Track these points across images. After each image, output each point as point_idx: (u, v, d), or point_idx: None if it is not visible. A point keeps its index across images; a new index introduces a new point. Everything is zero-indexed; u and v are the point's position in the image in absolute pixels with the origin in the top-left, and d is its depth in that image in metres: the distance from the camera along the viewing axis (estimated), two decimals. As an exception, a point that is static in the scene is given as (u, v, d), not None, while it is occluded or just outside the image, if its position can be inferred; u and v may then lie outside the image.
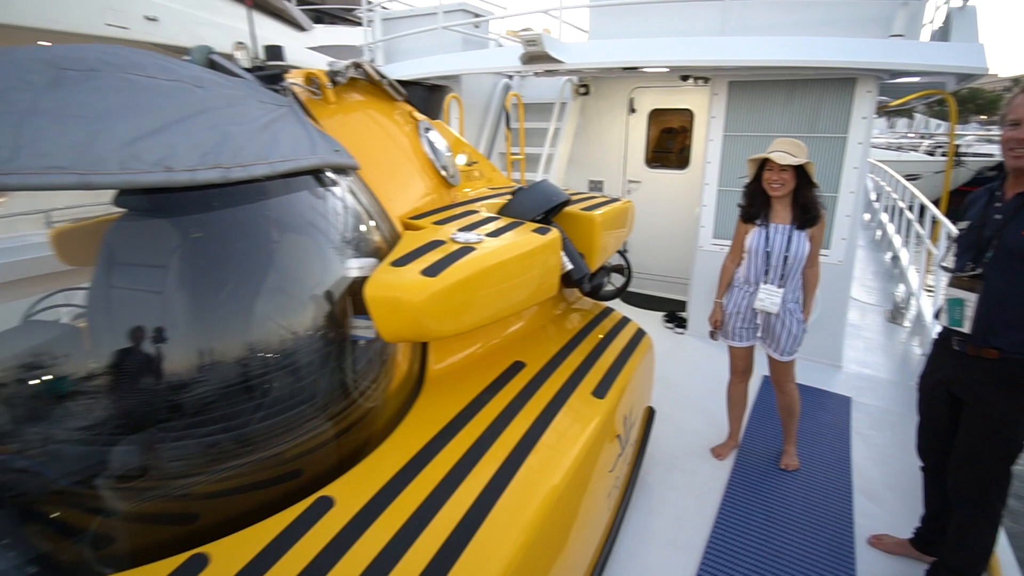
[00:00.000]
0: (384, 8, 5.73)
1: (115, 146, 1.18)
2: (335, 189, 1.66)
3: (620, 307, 3.10)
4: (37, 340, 1.76)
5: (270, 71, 1.82)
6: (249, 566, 1.15)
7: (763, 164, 2.64)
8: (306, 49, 7.43)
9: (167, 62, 1.51)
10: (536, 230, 1.92)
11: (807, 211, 2.62)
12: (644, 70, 4.58)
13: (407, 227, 1.93)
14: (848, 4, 3.89)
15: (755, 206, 2.73)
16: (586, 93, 5.43)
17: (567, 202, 2.26)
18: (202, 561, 1.16)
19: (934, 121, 32.09)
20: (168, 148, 1.24)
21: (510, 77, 5.80)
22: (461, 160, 2.68)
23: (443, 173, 2.21)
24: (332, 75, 1.98)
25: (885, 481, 2.87)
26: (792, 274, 2.70)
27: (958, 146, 17.71)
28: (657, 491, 2.76)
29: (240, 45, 1.90)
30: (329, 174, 1.65)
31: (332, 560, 1.18)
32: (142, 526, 1.29)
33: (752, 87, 4.07)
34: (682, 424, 3.36)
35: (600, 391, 2.03)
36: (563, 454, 1.67)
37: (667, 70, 4.47)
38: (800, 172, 2.58)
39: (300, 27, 7.35)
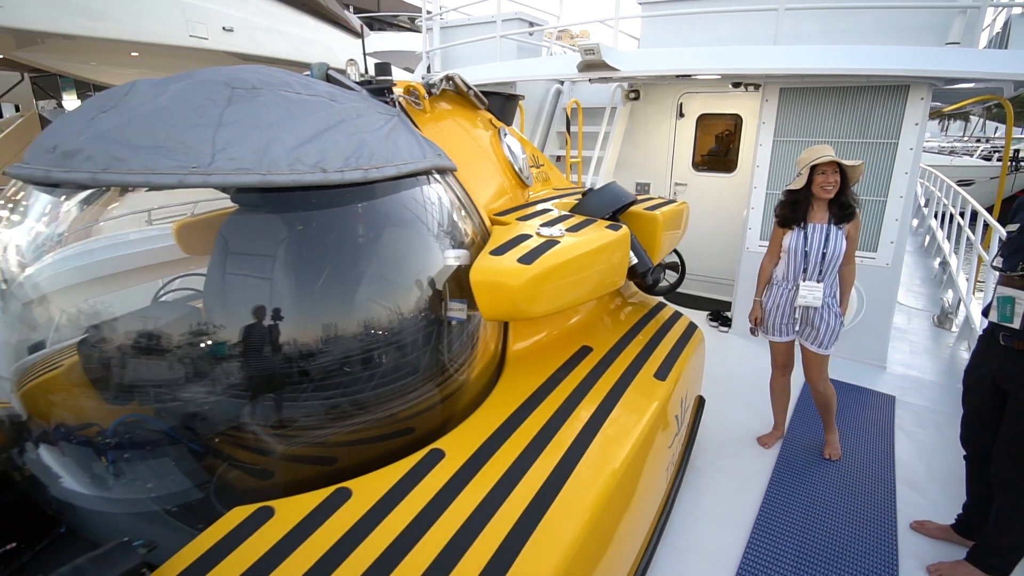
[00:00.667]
0: (441, 16, 6.02)
1: (284, 152, 1.46)
2: (440, 188, 1.91)
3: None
4: (167, 318, 2.06)
5: (378, 84, 2.09)
6: (383, 499, 1.41)
7: (812, 171, 2.77)
8: (349, 59, 7.80)
9: (305, 80, 1.80)
10: (608, 227, 2.14)
11: (844, 208, 2.77)
12: (695, 77, 4.74)
13: (494, 222, 2.17)
14: (903, 12, 3.97)
15: (799, 212, 2.85)
16: (636, 98, 5.61)
17: (634, 202, 2.47)
18: (346, 493, 1.42)
19: (992, 124, 30.74)
20: (321, 153, 1.51)
21: (562, 83, 6.02)
22: (534, 161, 2.91)
23: (520, 175, 2.45)
24: (428, 87, 2.24)
25: (929, 474, 2.98)
26: (830, 270, 2.83)
27: (1016, 151, 17.07)
28: (706, 474, 2.94)
29: (351, 62, 2.17)
30: (435, 175, 1.91)
31: (447, 501, 1.42)
32: (296, 464, 1.57)
33: (803, 93, 4.19)
34: (729, 415, 3.52)
35: (661, 373, 2.23)
36: (632, 425, 1.88)
37: (719, 77, 4.62)
38: (840, 174, 2.74)
39: (357, 34, 7.73)
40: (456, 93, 2.43)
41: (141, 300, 2.47)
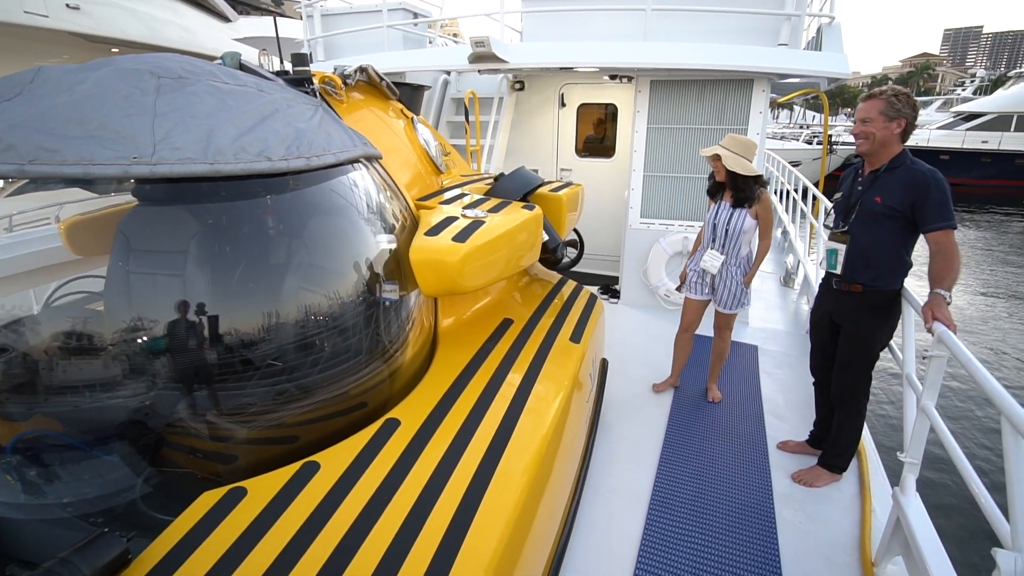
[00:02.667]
0: (322, 4, 5.84)
1: (228, 141, 1.48)
2: (369, 175, 2.00)
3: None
4: (63, 322, 1.95)
5: (298, 75, 2.11)
6: (350, 469, 1.51)
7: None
8: (232, 40, 7.30)
9: (228, 70, 1.80)
10: (523, 207, 2.36)
11: (738, 191, 3.19)
12: (575, 69, 5.11)
13: (419, 207, 2.29)
14: (746, 17, 4.62)
15: (713, 188, 3.35)
16: (521, 88, 5.90)
17: (541, 184, 2.71)
18: (315, 467, 1.51)
19: (811, 112, 35.80)
20: (264, 142, 1.56)
21: (448, 73, 6.14)
22: (441, 148, 3.04)
23: (436, 162, 2.58)
24: (344, 77, 2.29)
25: (787, 404, 3.61)
26: (731, 243, 3.26)
27: (830, 136, 20.11)
28: (615, 426, 3.31)
29: (264, 52, 2.16)
30: (364, 162, 1.99)
31: (409, 464, 1.54)
32: (261, 446, 1.61)
33: (670, 86, 4.72)
34: (627, 374, 3.95)
35: (575, 338, 2.51)
36: (558, 384, 2.13)
37: (596, 69, 5.03)
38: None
39: (225, 18, 7.20)
40: (368, 84, 2.50)
41: (27, 307, 2.28)
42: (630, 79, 5.04)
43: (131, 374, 1.59)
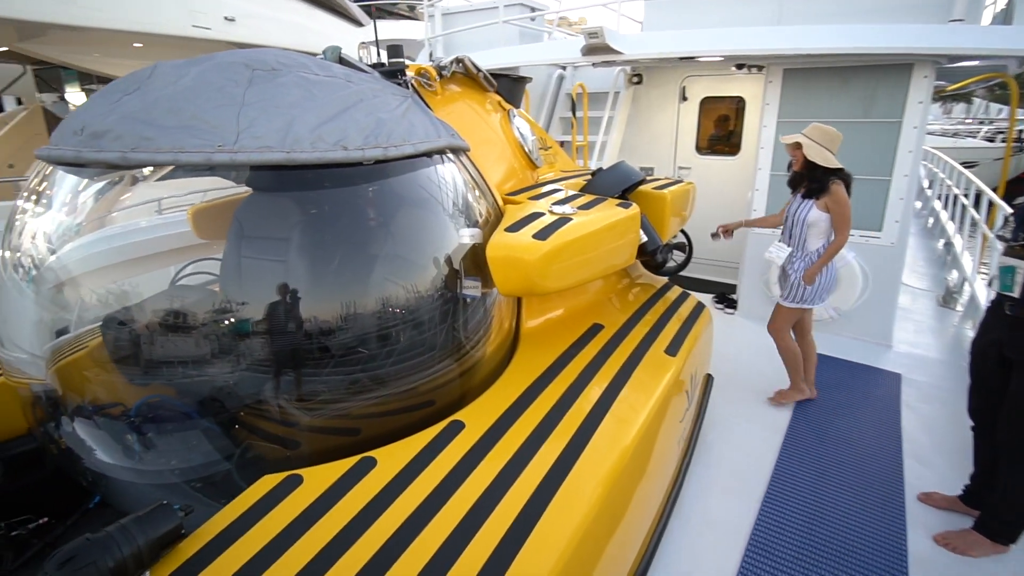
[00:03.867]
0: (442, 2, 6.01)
1: (306, 130, 1.49)
2: (454, 167, 1.95)
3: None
4: (184, 301, 2.10)
5: (391, 67, 2.11)
6: (407, 468, 1.45)
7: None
8: (360, 43, 7.80)
9: (321, 62, 1.83)
10: (619, 204, 2.17)
11: (810, 183, 3.08)
12: (699, 60, 4.74)
13: (507, 202, 2.20)
14: (907, -10, 3.97)
15: (793, 180, 3.24)
16: (639, 82, 5.61)
17: (642, 181, 2.49)
18: (371, 462, 1.47)
19: (995, 106, 30.54)
20: (342, 132, 1.55)
21: (564, 68, 6.02)
22: (541, 143, 2.94)
23: (530, 156, 2.48)
24: (439, 69, 2.26)
25: (934, 447, 3.03)
26: (798, 235, 3.16)
27: (1020, 131, 16.99)
28: (716, 448, 2.99)
29: (364, 46, 2.20)
30: (449, 155, 1.94)
31: (468, 470, 1.46)
32: (320, 436, 1.61)
33: (806, 74, 4.19)
34: (735, 394, 3.57)
35: (671, 350, 2.27)
36: (644, 399, 1.93)
37: (721, 59, 4.62)
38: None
39: (357, 22, 7.71)
40: (466, 76, 2.46)
41: (159, 285, 2.51)
42: (760, 69, 4.56)
43: (225, 352, 1.66)
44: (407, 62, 2.15)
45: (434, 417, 1.66)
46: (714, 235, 3.41)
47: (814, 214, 3.08)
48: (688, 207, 3.04)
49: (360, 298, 1.64)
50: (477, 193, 2.01)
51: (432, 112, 2.03)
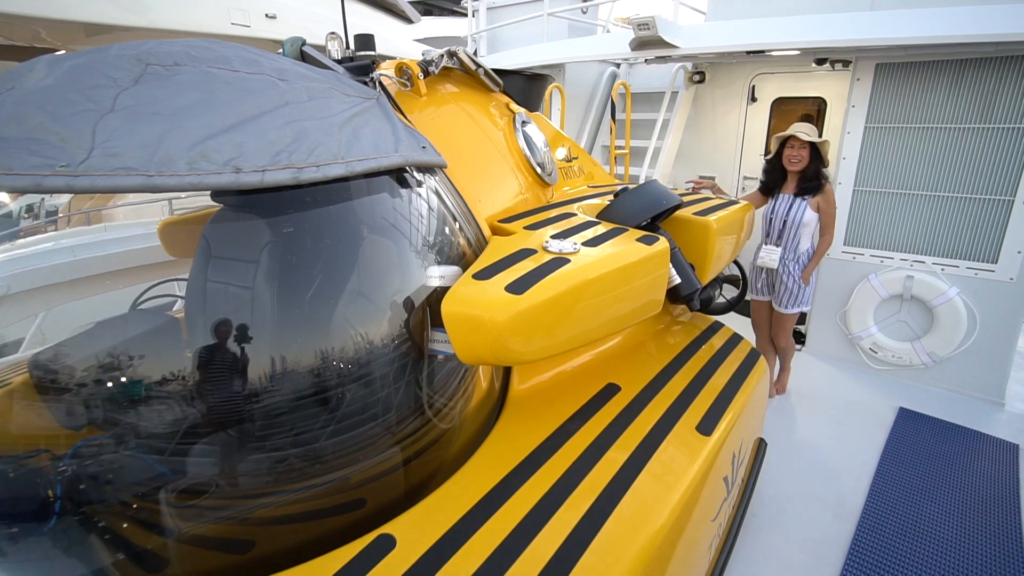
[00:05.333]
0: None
1: (185, 145, 1.10)
2: (419, 190, 1.53)
3: (729, 318, 2.81)
4: (141, 328, 1.80)
5: (360, 62, 1.72)
6: None
7: (784, 142, 3.11)
8: (413, 41, 7.54)
9: (255, 55, 1.44)
10: (641, 239, 1.67)
11: (808, 180, 3.07)
12: (772, 54, 4.08)
13: (496, 231, 1.76)
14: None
15: (773, 180, 3.22)
16: (701, 81, 4.98)
17: (679, 205, 1.98)
18: None
19: None
20: (239, 147, 1.15)
21: (617, 65, 5.46)
22: (561, 154, 2.47)
23: (538, 171, 2.01)
24: (424, 65, 1.85)
25: None
26: (790, 236, 3.15)
27: None
28: (764, 538, 2.41)
29: (333, 35, 1.81)
30: (414, 173, 1.52)
31: None
32: (197, 550, 1.23)
33: (906, 70, 3.46)
34: (796, 459, 2.95)
35: (706, 425, 1.75)
36: (660, 502, 1.44)
37: (798, 52, 3.94)
38: (813, 151, 3.03)
39: (408, 19, 7.46)
40: (464, 72, 2.03)
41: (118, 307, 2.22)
42: (846, 64, 3.85)
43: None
44: (378, 55, 1.74)
45: (357, 528, 1.24)
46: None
47: (809, 214, 3.09)
48: (743, 233, 2.47)
49: (261, 361, 1.27)
50: (450, 221, 1.58)
51: (402, 118, 1.62)
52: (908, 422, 3.15)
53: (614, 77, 5.47)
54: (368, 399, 1.39)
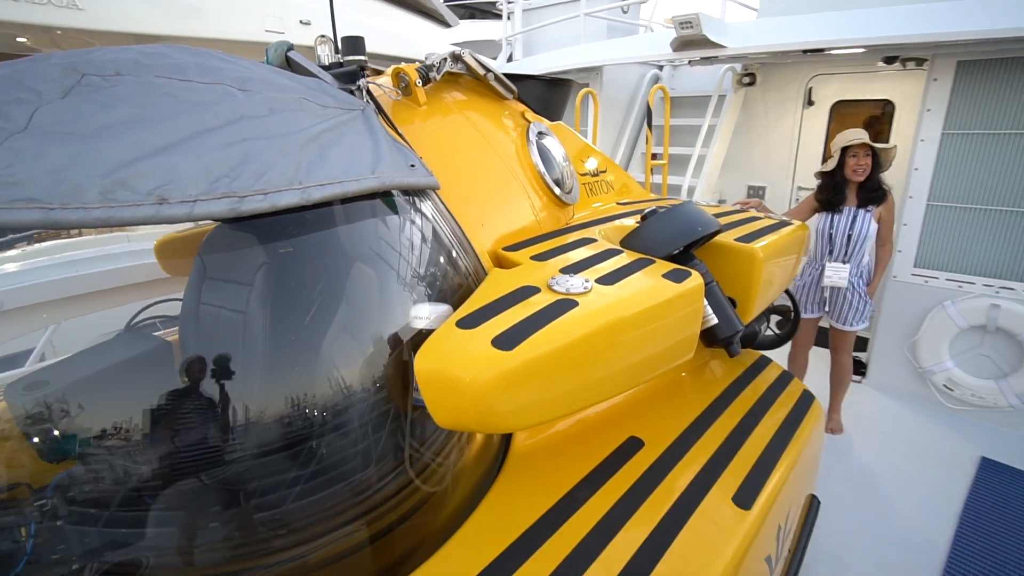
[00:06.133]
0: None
1: (100, 172, 0.91)
2: (405, 215, 1.32)
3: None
4: (131, 352, 1.68)
5: (347, 68, 1.52)
6: None
7: (843, 153, 2.90)
8: (451, 46, 7.40)
9: (220, 62, 1.26)
10: (670, 273, 1.40)
11: (871, 190, 2.90)
12: (832, 53, 3.69)
13: (499, 261, 1.52)
14: None
15: (840, 195, 2.98)
16: (751, 83, 4.60)
17: (717, 231, 1.69)
18: None
19: None
20: (170, 172, 0.96)
21: (660, 68, 5.14)
22: (586, 167, 2.22)
23: (554, 189, 1.77)
24: (424, 71, 1.63)
25: None
26: (855, 251, 2.97)
27: None
28: (817, 614, 2.08)
29: (322, 39, 1.63)
30: (398, 196, 1.31)
31: None
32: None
33: (993, 68, 3.02)
34: (855, 517, 2.57)
35: (746, 496, 1.46)
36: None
37: (862, 51, 3.54)
38: (874, 159, 2.88)
39: (445, 23, 7.33)
40: (473, 78, 1.81)
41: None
42: (919, 62, 3.42)
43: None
44: (367, 59, 1.55)
45: None
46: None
47: (875, 226, 2.95)
48: (798, 261, 2.15)
49: (218, 406, 1.13)
50: (440, 252, 1.36)
51: (392, 131, 1.41)
52: (993, 475, 2.72)
53: (656, 80, 5.15)
54: (329, 461, 1.19)
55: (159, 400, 1.21)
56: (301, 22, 5.41)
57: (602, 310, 1.19)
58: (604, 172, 2.29)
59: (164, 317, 2.31)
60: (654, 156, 5.21)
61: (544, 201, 1.77)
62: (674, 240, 1.54)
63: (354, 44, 1.52)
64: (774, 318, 2.34)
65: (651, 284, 1.33)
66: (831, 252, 3.03)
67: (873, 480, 2.80)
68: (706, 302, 1.57)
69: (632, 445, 1.56)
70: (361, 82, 1.44)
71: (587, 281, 1.28)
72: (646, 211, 1.67)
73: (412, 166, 1.34)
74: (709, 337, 1.59)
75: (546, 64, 4.58)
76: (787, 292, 2.28)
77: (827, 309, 3.19)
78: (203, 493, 1.17)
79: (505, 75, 1.89)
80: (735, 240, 1.77)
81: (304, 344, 1.28)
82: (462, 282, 1.37)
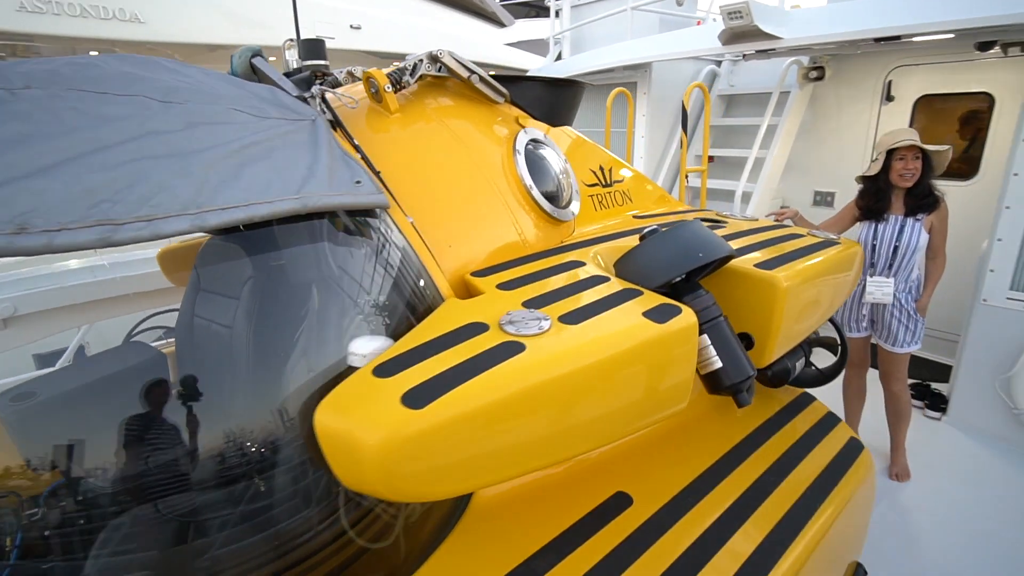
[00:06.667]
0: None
1: None
2: (342, 239, 1.18)
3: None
4: (124, 364, 1.66)
5: (309, 71, 1.41)
6: None
7: (888, 156, 2.62)
8: (504, 46, 7.27)
9: (154, 72, 1.17)
10: (654, 310, 1.17)
11: (921, 197, 2.61)
12: (915, 40, 3.22)
13: (467, 288, 1.35)
14: None
15: (883, 202, 2.67)
16: (819, 78, 4.13)
17: (728, 257, 1.43)
18: None
19: None
20: (37, 197, 0.86)
21: (718, 63, 4.75)
22: (604, 173, 2.00)
23: (543, 205, 1.57)
24: (397, 75, 1.49)
25: None
26: (904, 264, 2.68)
27: None
28: None
29: (291, 43, 1.52)
30: (343, 217, 1.18)
31: None
32: None
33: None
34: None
35: (758, 567, 1.21)
36: None
37: (951, 36, 3.05)
38: (924, 162, 2.59)
39: (499, 22, 7.20)
40: (459, 80, 1.64)
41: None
42: (1024, 48, 2.91)
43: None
44: (326, 63, 1.42)
45: None
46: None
47: (925, 236, 2.66)
48: (842, 288, 1.82)
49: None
50: (384, 279, 1.21)
51: (343, 142, 1.28)
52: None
53: (714, 77, 4.76)
54: (235, 519, 1.08)
55: (145, 413, 1.16)
56: (351, 27, 5.46)
57: (550, 359, 0.99)
58: (620, 181, 2.06)
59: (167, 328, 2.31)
60: (708, 160, 4.84)
61: (532, 218, 1.58)
62: (667, 269, 1.30)
63: (314, 48, 1.40)
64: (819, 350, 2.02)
65: (625, 324, 1.11)
66: (873, 265, 2.75)
67: (943, 542, 2.38)
68: (708, 341, 1.32)
69: (619, 501, 1.34)
70: (315, 89, 1.32)
71: (544, 320, 1.09)
72: (646, 230, 1.44)
73: (358, 183, 1.20)
74: (713, 383, 1.34)
75: (591, 62, 4.34)
76: (832, 322, 1.95)
77: (866, 327, 2.90)
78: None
79: (499, 76, 1.71)
80: (755, 266, 1.49)
81: (231, 383, 1.19)
82: (410, 313, 1.21)
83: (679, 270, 1.30)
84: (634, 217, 2.01)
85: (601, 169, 1.99)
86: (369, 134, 1.45)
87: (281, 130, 1.18)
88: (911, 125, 4.03)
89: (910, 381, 3.66)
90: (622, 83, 4.58)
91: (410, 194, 1.38)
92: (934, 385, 3.51)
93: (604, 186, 1.96)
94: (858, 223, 2.81)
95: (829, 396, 2.00)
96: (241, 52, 1.47)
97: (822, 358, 1.98)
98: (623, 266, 1.39)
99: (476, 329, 1.08)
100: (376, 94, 1.45)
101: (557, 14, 5.17)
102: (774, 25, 2.94)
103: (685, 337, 1.16)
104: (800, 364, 1.83)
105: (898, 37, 3.00)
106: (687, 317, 1.16)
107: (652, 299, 1.22)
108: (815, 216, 4.59)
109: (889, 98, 4.03)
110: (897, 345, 2.79)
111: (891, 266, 2.71)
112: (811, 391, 1.95)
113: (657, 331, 1.11)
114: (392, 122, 1.48)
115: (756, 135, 4.13)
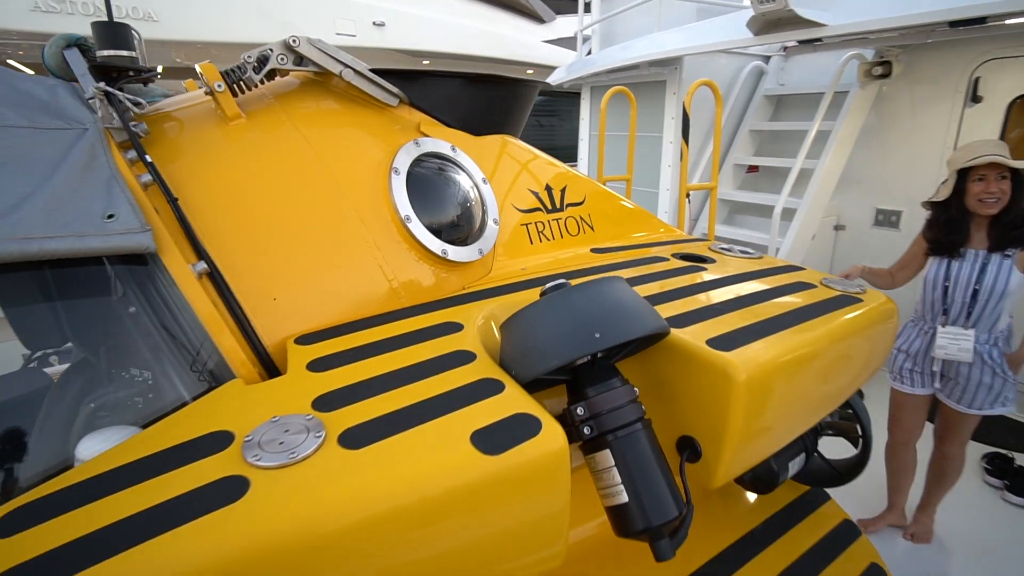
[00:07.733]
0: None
1: None
2: (78, 294, 0.86)
3: (878, 415, 1.61)
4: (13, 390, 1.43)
5: (104, 64, 1.09)
6: None
7: (963, 176, 2.11)
8: (543, 43, 6.85)
9: None
10: (497, 426, 0.77)
11: (1013, 227, 2.06)
12: (1007, 23, 2.58)
13: (292, 362, 0.98)
14: None
15: (958, 234, 2.15)
16: (885, 75, 3.46)
17: (659, 335, 0.99)
18: None
19: None
20: None
21: (766, 59, 4.13)
22: (551, 195, 1.59)
23: (426, 244, 1.18)
24: (236, 74, 1.15)
25: None
26: (987, 312, 2.13)
27: None
28: None
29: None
30: (111, 267, 0.86)
31: None
32: None
33: None
34: None
35: None
36: None
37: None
38: (1015, 184, 2.05)
39: (539, 18, 6.78)
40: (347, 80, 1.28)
41: None
42: None
43: None
44: (130, 54, 1.10)
45: None
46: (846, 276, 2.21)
47: (1017, 278, 2.09)
48: (857, 368, 1.30)
49: None
50: (149, 352, 0.88)
51: (117, 158, 0.95)
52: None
53: (759, 73, 4.15)
54: None
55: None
56: (374, 24, 5.24)
57: (268, 515, 0.62)
58: (578, 204, 1.63)
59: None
60: (750, 169, 4.24)
61: (412, 258, 1.20)
62: (544, 355, 0.89)
63: (111, 35, 1.08)
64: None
65: (430, 458, 0.71)
66: (946, 312, 2.18)
67: None
68: (611, 462, 0.89)
69: None
70: (92, 89, 0.99)
71: (317, 436, 0.72)
72: (548, 285, 1.02)
73: (109, 217, 0.87)
74: (618, 522, 0.91)
75: (616, 58, 3.88)
76: (849, 402, 1.45)
77: (937, 386, 2.28)
78: None
79: (395, 71, 1.34)
80: (709, 342, 1.03)
81: None
82: (173, 398, 0.87)
83: (560, 357, 0.88)
84: (592, 252, 1.58)
85: (548, 190, 1.57)
86: (196, 147, 1.12)
87: (21, 143, 0.87)
88: (1004, 132, 3.29)
89: (987, 450, 2.97)
90: (651, 81, 4.08)
91: (227, 228, 1.04)
92: (1003, 451, 2.83)
93: (549, 211, 1.55)
94: (930, 259, 2.25)
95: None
96: (54, 41, 1.17)
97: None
98: (503, 338, 0.98)
99: (210, 447, 0.72)
100: (134, 101, 1.08)
101: (587, 7, 4.71)
102: (816, 10, 2.39)
103: (544, 474, 0.75)
104: (797, 464, 1.35)
105: (983, 19, 2.36)
106: (551, 441, 0.75)
107: (507, 403, 0.82)
108: (877, 238, 3.92)
109: (976, 99, 3.30)
110: (972, 406, 2.21)
111: (970, 314, 2.15)
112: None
113: (479, 472, 0.70)
114: (229, 131, 1.15)
115: (803, 141, 3.51)
